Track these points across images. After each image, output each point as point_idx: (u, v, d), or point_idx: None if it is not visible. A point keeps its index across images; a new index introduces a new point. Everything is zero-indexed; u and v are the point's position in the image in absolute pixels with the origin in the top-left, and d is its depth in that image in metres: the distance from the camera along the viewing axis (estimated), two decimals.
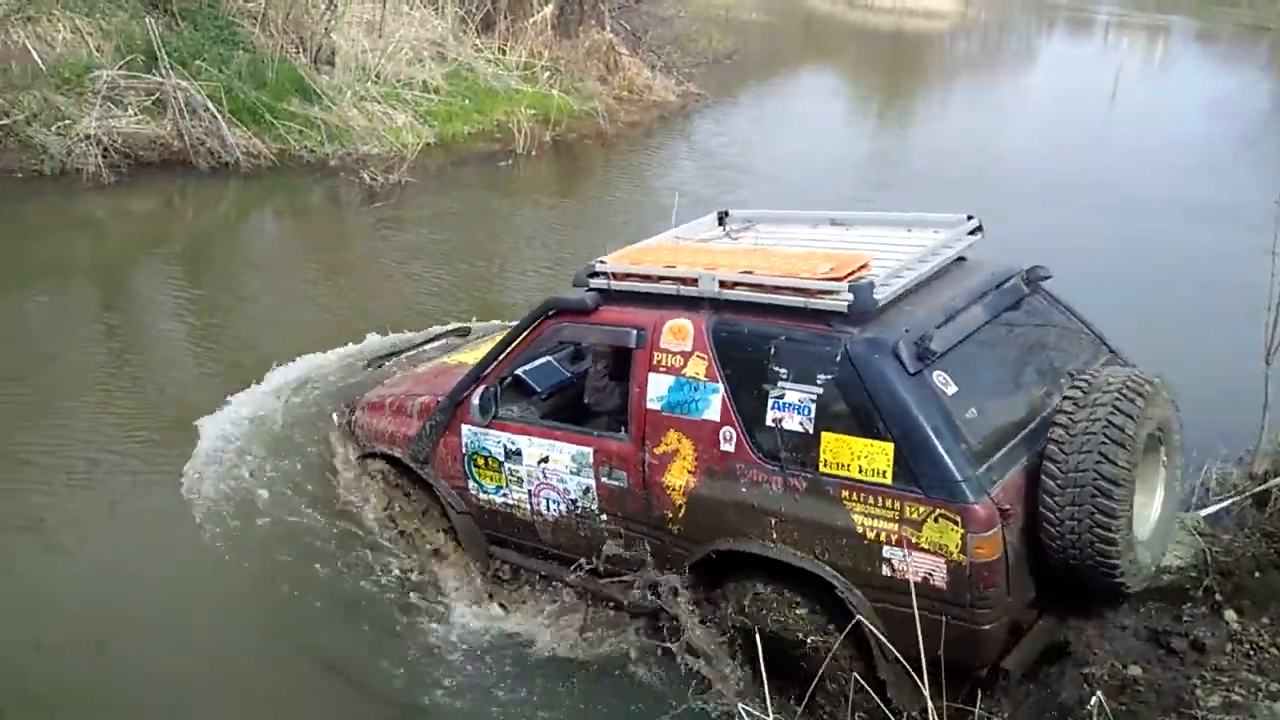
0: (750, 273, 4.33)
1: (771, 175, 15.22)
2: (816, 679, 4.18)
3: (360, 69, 15.04)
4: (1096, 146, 18.24)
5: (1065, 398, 4.03)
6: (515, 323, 5.20)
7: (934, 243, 4.71)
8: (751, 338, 4.25)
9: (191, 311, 8.98)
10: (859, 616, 4.00)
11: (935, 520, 3.83)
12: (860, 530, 3.99)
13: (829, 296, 4.08)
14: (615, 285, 4.67)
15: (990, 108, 23.74)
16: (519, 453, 4.98)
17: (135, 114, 12.67)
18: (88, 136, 12.09)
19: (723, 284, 4.35)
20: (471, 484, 5.24)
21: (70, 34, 13.16)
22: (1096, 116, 21.61)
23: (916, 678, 3.39)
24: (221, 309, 9.12)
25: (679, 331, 4.41)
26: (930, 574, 3.87)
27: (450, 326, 7.73)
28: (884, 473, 3.91)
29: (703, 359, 4.34)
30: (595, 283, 4.73)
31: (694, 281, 4.41)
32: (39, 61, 12.57)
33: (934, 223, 4.99)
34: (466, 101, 15.87)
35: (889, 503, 3.91)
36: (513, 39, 17.90)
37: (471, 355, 5.97)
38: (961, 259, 4.81)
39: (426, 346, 6.93)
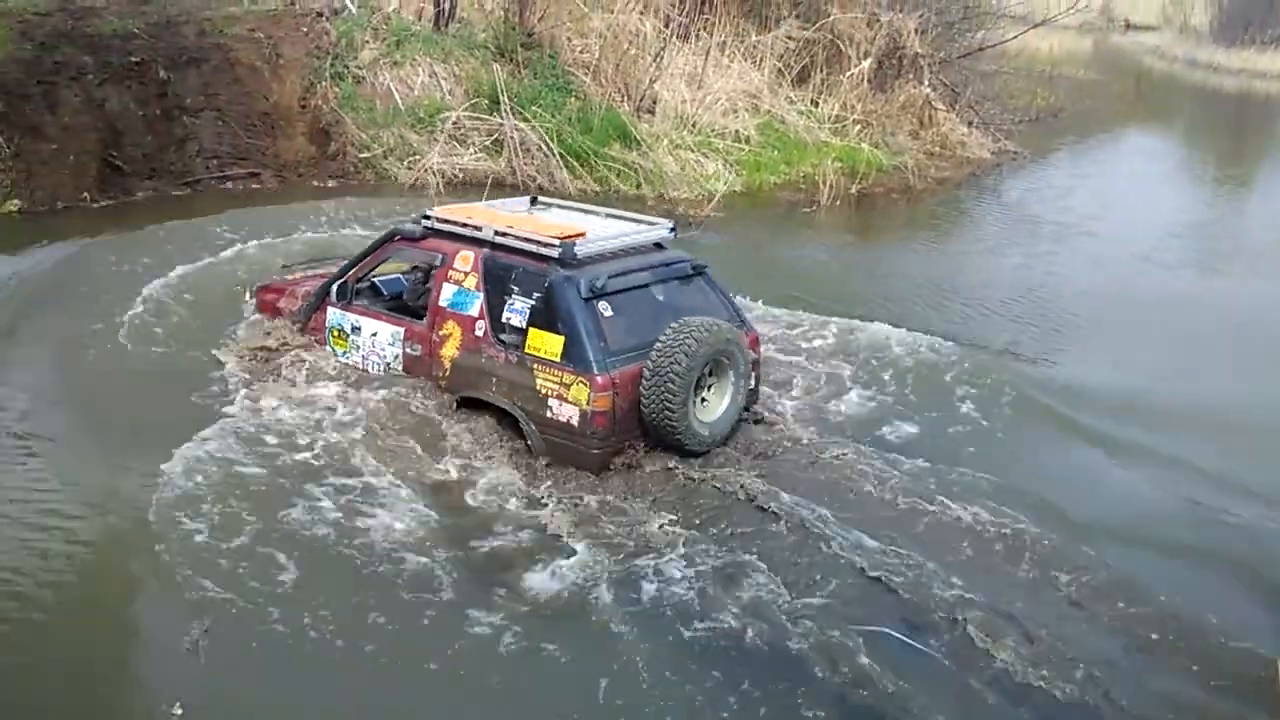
0: (512, 228, 6.78)
1: (1087, 232, 14.60)
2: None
3: (678, 118, 15.82)
4: None
5: (668, 327, 6.37)
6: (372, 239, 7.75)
7: (632, 231, 7.17)
8: (504, 267, 6.70)
9: None
10: (530, 441, 6.55)
11: (577, 385, 6.29)
12: (539, 388, 6.43)
13: (548, 248, 6.53)
14: (436, 225, 7.10)
15: None
16: (360, 329, 7.31)
17: (475, 152, 13.98)
18: (432, 170, 13.48)
19: (496, 233, 6.79)
20: (328, 348, 7.49)
21: (427, 78, 14.73)
22: None
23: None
24: None
25: (465, 259, 6.87)
26: (570, 417, 6.35)
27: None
28: (556, 354, 6.35)
29: (475, 277, 6.79)
30: (425, 222, 7.14)
31: (479, 229, 6.86)
32: (399, 102, 14.15)
33: (652, 223, 7.34)
34: (775, 152, 16.28)
35: (556, 373, 6.36)
36: (826, 92, 18.13)
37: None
38: (661, 247, 7.18)
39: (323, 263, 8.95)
